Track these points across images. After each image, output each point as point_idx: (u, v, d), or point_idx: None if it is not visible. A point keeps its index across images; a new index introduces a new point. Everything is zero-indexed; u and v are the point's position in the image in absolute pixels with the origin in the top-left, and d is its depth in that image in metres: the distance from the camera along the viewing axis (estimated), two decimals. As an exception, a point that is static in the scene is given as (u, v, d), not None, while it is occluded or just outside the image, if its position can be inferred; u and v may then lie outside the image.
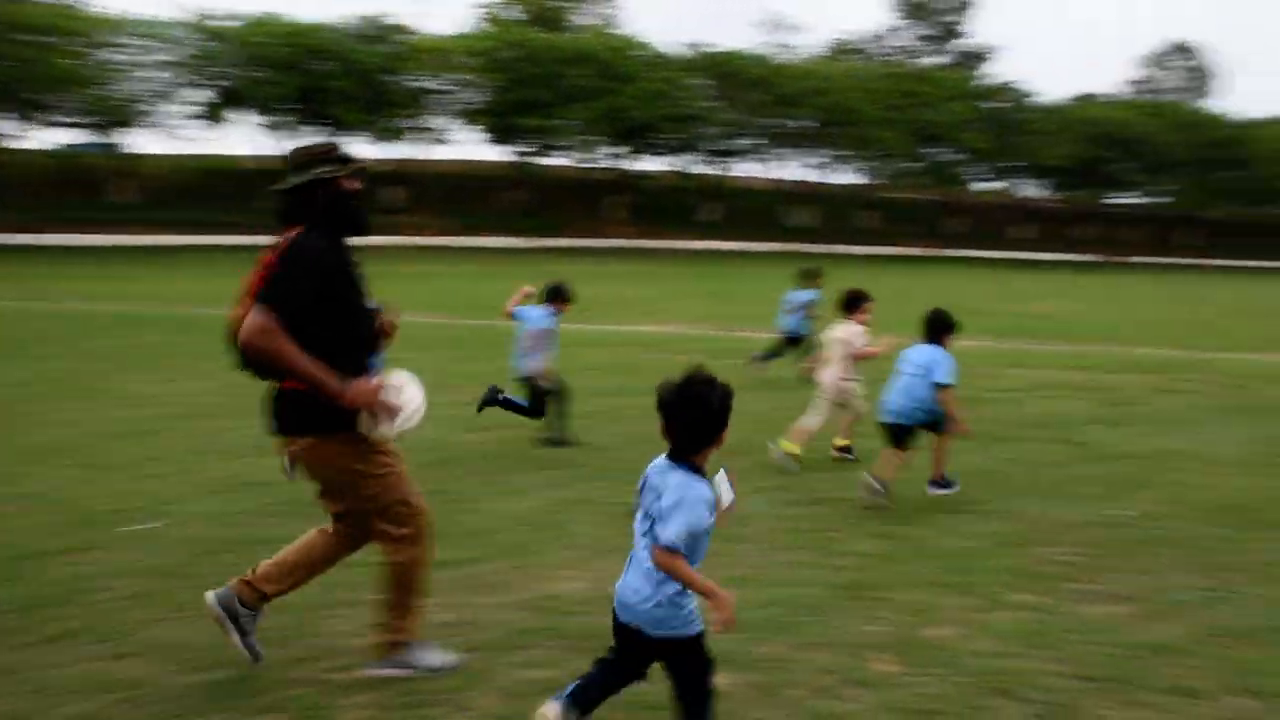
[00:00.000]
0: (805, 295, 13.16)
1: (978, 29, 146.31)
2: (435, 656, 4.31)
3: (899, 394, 7.15)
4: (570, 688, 3.53)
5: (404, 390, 4.03)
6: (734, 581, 5.45)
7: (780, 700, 4.21)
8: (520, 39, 46.92)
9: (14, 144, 45.40)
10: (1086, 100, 69.34)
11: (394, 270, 32.15)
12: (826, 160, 57.93)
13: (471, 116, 47.99)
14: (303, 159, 4.06)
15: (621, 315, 20.43)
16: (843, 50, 70.35)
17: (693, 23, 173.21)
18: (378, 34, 46.61)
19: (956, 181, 60.53)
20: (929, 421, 7.15)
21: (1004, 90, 60.86)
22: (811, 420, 8.37)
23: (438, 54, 45.84)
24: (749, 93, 51.91)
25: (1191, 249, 69.30)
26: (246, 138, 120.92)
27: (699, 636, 3.44)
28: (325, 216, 4.03)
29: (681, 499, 3.24)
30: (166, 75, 44.83)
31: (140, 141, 49.02)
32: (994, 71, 73.42)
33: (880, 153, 54.91)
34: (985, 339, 17.80)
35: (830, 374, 8.38)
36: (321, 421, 3.94)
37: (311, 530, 4.36)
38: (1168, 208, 70.40)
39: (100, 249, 40.46)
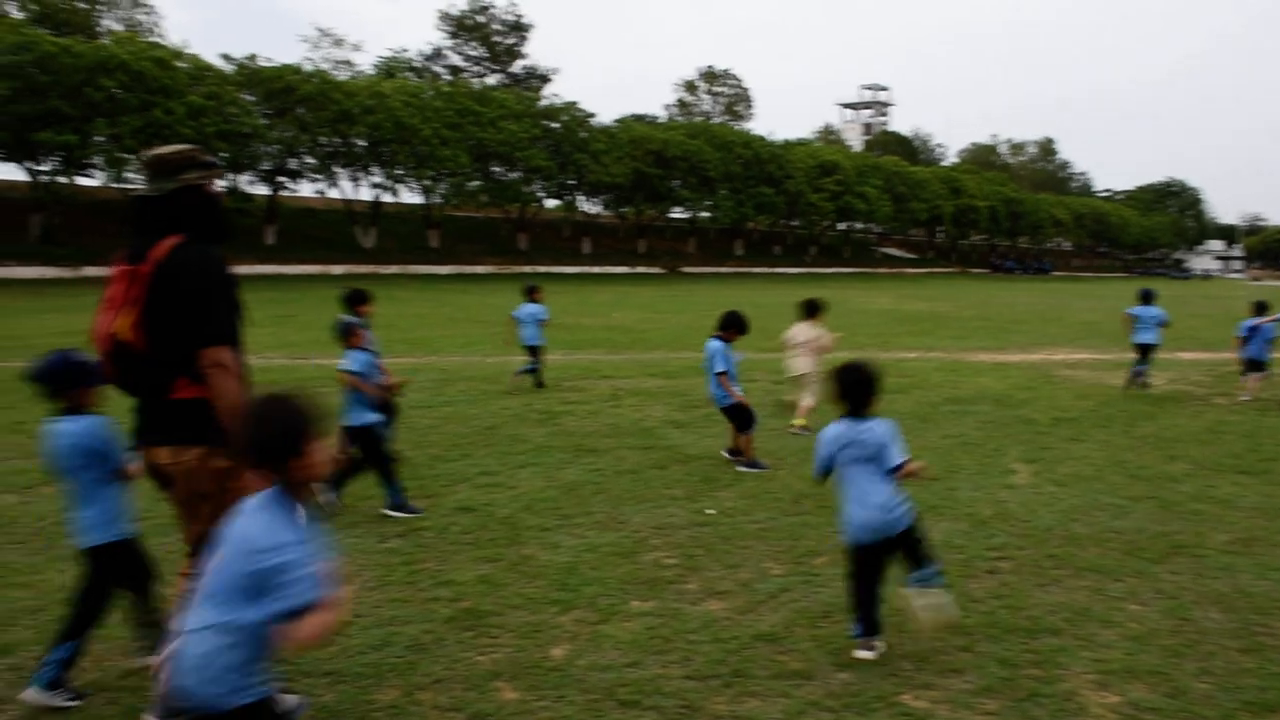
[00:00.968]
0: (536, 308, 13.88)
1: (535, 51, 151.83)
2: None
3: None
4: None
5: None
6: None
7: (402, 754, 3.85)
8: (27, 41, 41.50)
9: None
10: (636, 120, 74.15)
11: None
12: (385, 180, 57.10)
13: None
14: (169, 164, 3.82)
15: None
16: (395, 68, 69.96)
17: (238, 36, 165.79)
18: None
19: (520, 199, 62.05)
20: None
21: (566, 110, 63.29)
22: (808, 400, 10.90)
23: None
24: (303, 110, 50.01)
25: (736, 259, 76.20)
26: None
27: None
28: (199, 223, 3.85)
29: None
30: None
31: None
32: (555, 92, 76.48)
33: (440, 172, 54.95)
34: (569, 352, 18.25)
35: (806, 363, 11.05)
36: (216, 432, 3.67)
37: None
38: (714, 222, 76.83)
39: None
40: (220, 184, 4.06)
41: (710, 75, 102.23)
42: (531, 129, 58.93)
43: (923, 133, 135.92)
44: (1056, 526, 7.02)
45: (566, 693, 4.31)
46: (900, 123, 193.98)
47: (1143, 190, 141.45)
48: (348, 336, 7.54)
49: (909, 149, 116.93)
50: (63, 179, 46.19)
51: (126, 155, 43.58)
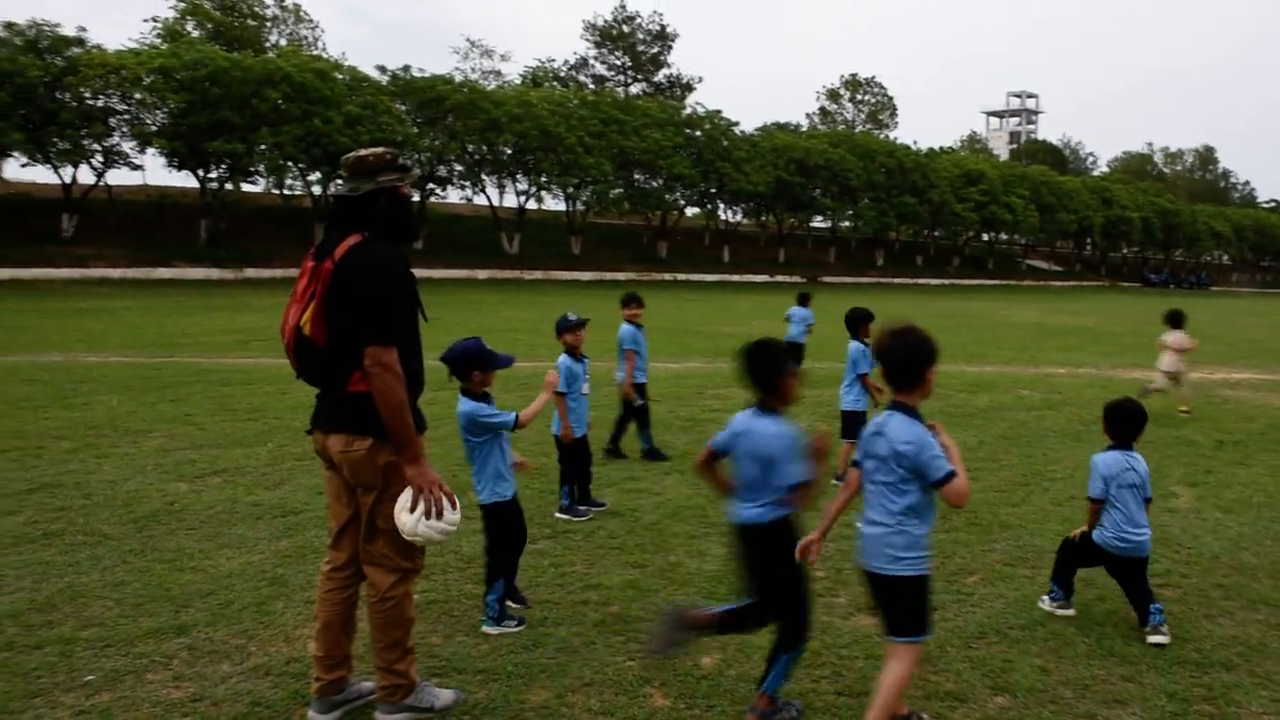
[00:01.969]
0: (805, 312, 16.78)
1: (679, 59, 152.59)
2: (442, 695, 4.21)
3: None
4: None
5: (454, 510, 3.95)
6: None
7: (556, 754, 3.91)
8: (202, 57, 43.94)
9: None
10: (779, 129, 73.78)
11: (68, 305, 29.37)
12: (530, 187, 58.20)
13: (152, 139, 44.35)
14: (368, 165, 3.98)
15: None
16: (542, 78, 71.21)
17: (393, 48, 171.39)
18: (46, 45, 42.43)
19: (662, 206, 62.40)
20: None
21: (708, 118, 63.44)
22: (1185, 390, 13.21)
23: (111, 70, 42.07)
24: (452, 119, 51.39)
25: (876, 269, 75.03)
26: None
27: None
28: (386, 223, 4.00)
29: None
30: None
31: None
32: (698, 101, 76.76)
33: (584, 179, 55.69)
34: (711, 359, 18.27)
35: (1173, 361, 13.09)
36: (383, 427, 3.85)
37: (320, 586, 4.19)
38: (856, 231, 75.84)
39: None
40: (410, 189, 4.19)
41: (854, 83, 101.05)
42: (674, 137, 59.23)
43: (1072, 141, 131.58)
44: (1224, 554, 6.68)
45: (716, 702, 4.30)
46: (1049, 131, 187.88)
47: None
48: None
49: (1058, 158, 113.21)
50: (229, 186, 48.52)
51: (287, 163, 45.60)
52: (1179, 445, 10.70)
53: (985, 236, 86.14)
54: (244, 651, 4.73)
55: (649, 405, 9.81)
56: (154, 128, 44.92)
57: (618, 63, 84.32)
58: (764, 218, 71.67)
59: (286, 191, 51.63)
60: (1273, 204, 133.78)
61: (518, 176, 57.66)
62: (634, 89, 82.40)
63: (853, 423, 8.81)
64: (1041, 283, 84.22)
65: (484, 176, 56.88)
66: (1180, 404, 13.11)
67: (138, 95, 43.70)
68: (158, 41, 49.43)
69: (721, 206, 67.80)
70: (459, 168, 54.79)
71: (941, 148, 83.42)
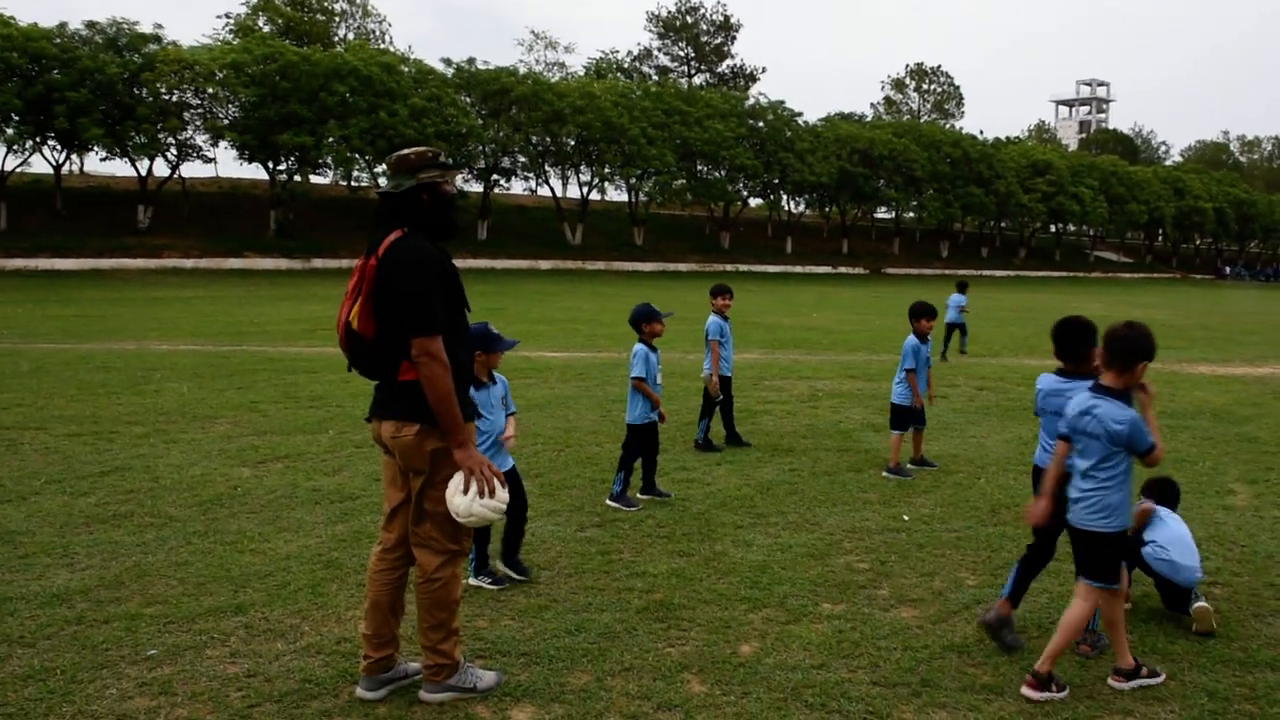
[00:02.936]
0: (961, 298, 18.87)
1: (742, 50, 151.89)
2: (485, 676, 4.34)
3: None
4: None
5: (504, 489, 4.11)
6: (533, 610, 5.25)
7: (593, 735, 4.01)
8: (272, 52, 44.83)
9: None
10: (842, 119, 73.21)
11: (143, 295, 30.17)
12: (593, 178, 58.47)
13: (225, 132, 45.39)
14: (410, 163, 4.14)
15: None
16: (605, 69, 71.40)
17: (458, 40, 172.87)
18: (125, 42, 43.58)
19: (724, 198, 62.31)
20: None
21: (772, 109, 63.19)
22: None
23: (186, 66, 43.07)
24: (516, 110, 51.81)
25: (941, 261, 74.19)
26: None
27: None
28: (428, 220, 4.15)
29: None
30: None
31: None
32: (761, 91, 76.45)
33: (647, 170, 55.81)
34: (769, 351, 18.31)
35: None
36: (431, 413, 4.01)
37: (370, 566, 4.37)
38: (920, 223, 75.06)
39: None
40: (456, 184, 4.32)
41: (919, 73, 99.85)
42: (737, 128, 59.10)
43: (1144, 130, 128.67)
44: (1279, 554, 6.59)
45: (753, 689, 4.38)
46: (1120, 120, 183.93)
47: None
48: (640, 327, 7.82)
49: (1129, 147, 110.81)
50: (297, 178, 49.40)
51: (354, 155, 46.33)
52: (1240, 442, 10.52)
53: (1052, 228, 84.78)
54: (298, 631, 4.91)
55: (733, 398, 9.89)
56: (226, 121, 45.94)
57: (681, 53, 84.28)
58: (827, 209, 71.22)
59: (353, 183, 52.46)
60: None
61: (581, 167, 57.97)
62: (697, 80, 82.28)
63: (901, 415, 8.79)
64: (1110, 275, 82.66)
65: (547, 168, 57.28)
66: None
67: (210, 90, 44.71)
68: (230, 37, 50.47)
69: (784, 197, 67.47)
70: (522, 159, 55.22)
71: (1008, 138, 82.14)
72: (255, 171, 50.80)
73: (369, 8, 71.47)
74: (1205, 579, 5.52)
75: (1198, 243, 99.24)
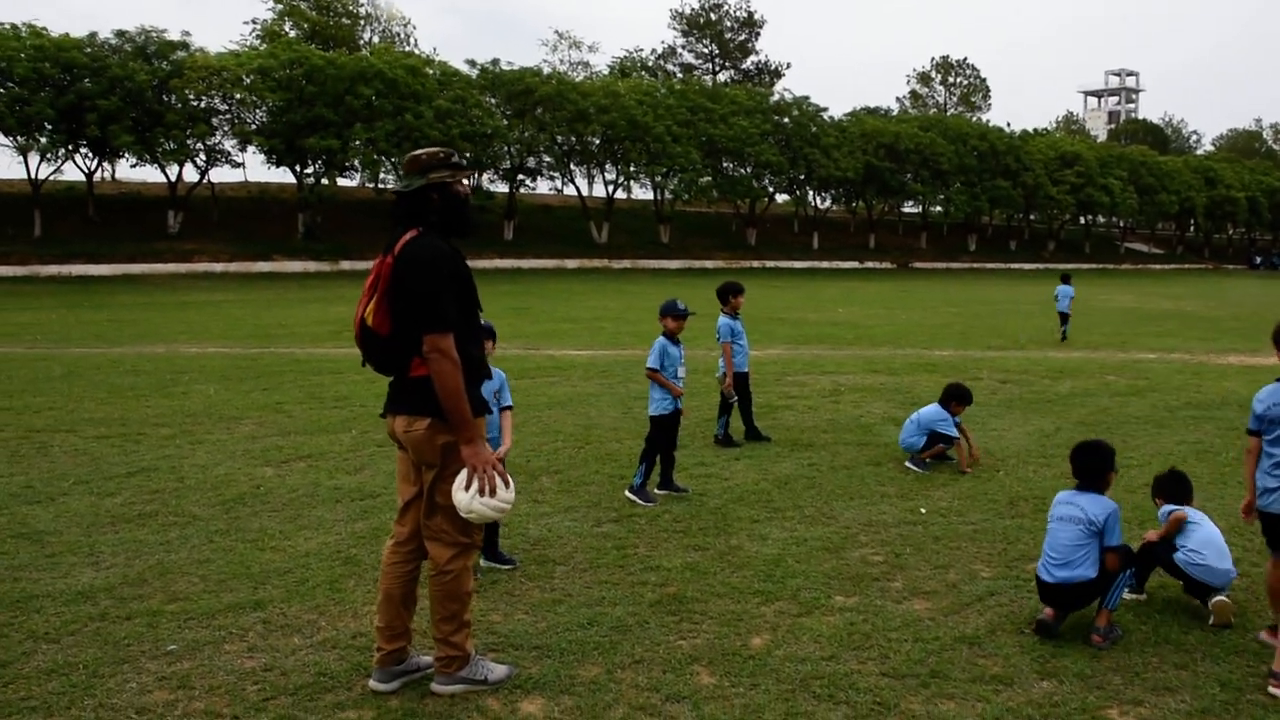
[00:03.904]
0: (1068, 289, 21.59)
1: (767, 46, 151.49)
2: (496, 669, 4.38)
3: None
4: None
5: (508, 489, 4.14)
6: (547, 603, 5.30)
7: (602, 725, 4.06)
8: (299, 57, 45.21)
9: None
10: (868, 114, 72.92)
11: (173, 299, 30.53)
12: (619, 176, 58.58)
13: (252, 137, 45.85)
14: (421, 164, 4.22)
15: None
16: (629, 68, 71.44)
17: (482, 41, 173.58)
18: (153, 50, 44.12)
19: (750, 194, 62.25)
20: None
21: (797, 105, 63.07)
22: None
23: (213, 72, 43.54)
24: (541, 110, 51.98)
25: (969, 255, 73.78)
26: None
27: None
28: (440, 219, 4.22)
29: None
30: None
31: None
32: (786, 87, 76.39)
33: (672, 168, 55.84)
34: (793, 346, 18.31)
35: None
36: (441, 408, 4.07)
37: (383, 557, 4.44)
38: (947, 217, 74.67)
39: None
40: (468, 183, 4.39)
41: (945, 65, 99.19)
42: (762, 124, 59.04)
43: (1175, 120, 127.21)
44: (1301, 543, 6.53)
45: (761, 681, 4.41)
46: (1149, 110, 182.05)
47: None
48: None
49: (1159, 137, 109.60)
50: (324, 181, 49.79)
51: (380, 157, 46.65)
52: (1267, 432, 10.42)
53: (1082, 219, 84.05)
54: (314, 626, 4.98)
55: (751, 395, 9.93)
56: (253, 126, 46.42)
57: (705, 51, 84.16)
58: (853, 204, 70.98)
59: (380, 186, 52.78)
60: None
61: (606, 166, 58.10)
62: (722, 77, 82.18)
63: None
64: (1140, 266, 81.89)
65: (572, 167, 57.47)
66: None
67: (238, 95, 45.19)
68: (257, 43, 50.93)
69: (810, 193, 67.30)
70: (548, 159, 55.47)
71: (1036, 129, 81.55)
72: (283, 175, 51.36)
73: (394, 11, 71.88)
74: (1238, 576, 5.47)
75: (1230, 233, 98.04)
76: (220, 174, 50.67)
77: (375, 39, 66.49)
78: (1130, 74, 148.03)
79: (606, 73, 66.35)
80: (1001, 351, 18.26)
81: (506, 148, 52.21)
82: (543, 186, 61.16)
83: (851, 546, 6.36)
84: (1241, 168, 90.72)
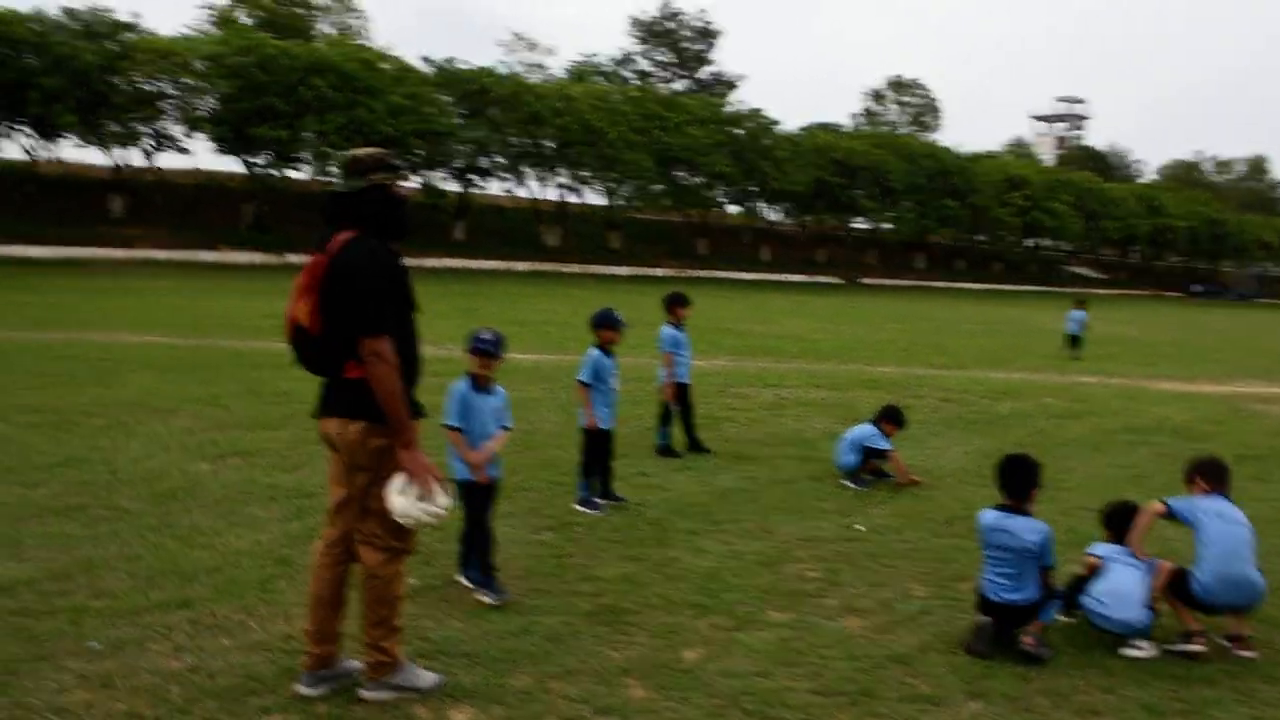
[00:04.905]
0: (1082, 314, 22.95)
1: (723, 57, 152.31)
2: (425, 677, 4.34)
3: None
4: None
5: (445, 494, 4.15)
6: (480, 611, 5.27)
7: (530, 736, 4.04)
8: (252, 44, 44.60)
9: None
10: (821, 129, 73.54)
11: (114, 285, 29.94)
12: (571, 180, 58.53)
13: (201, 124, 45.14)
14: (361, 163, 4.18)
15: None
16: (585, 72, 71.41)
17: (439, 40, 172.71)
18: (102, 30, 43.25)
19: (702, 204, 62.48)
20: None
21: (750, 117, 63.43)
22: None
23: (163, 55, 42.80)
24: (495, 111, 51.76)
25: (916, 272, 74.68)
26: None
27: None
28: (378, 221, 4.17)
29: None
30: None
31: None
32: (741, 99, 76.80)
33: (625, 174, 55.90)
34: (737, 358, 18.37)
35: None
36: (377, 410, 4.03)
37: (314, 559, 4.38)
38: (896, 233, 75.53)
39: None
40: (408, 185, 4.35)
41: (898, 85, 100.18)
42: (716, 135, 59.25)
43: (1120, 147, 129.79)
44: (1225, 570, 6.67)
45: (692, 695, 4.41)
46: (1097, 137, 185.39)
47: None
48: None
49: (1104, 164, 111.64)
50: (273, 171, 49.15)
51: (331, 150, 46.15)
52: (1197, 459, 10.63)
53: (1028, 242, 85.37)
54: (244, 627, 4.91)
55: (693, 406, 9.93)
56: (203, 113, 45.66)
57: (662, 59, 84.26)
58: (804, 217, 71.53)
59: (330, 179, 52.20)
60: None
61: (559, 170, 57.92)
62: (677, 85, 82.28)
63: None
64: (1084, 290, 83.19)
65: (525, 169, 57.19)
66: None
67: (188, 80, 44.43)
68: (210, 28, 50.18)
69: (762, 205, 67.69)
70: (501, 159, 55.16)
71: (985, 152, 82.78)
72: (231, 164, 50.60)
73: (349, 2, 71.19)
74: (1153, 623, 5.39)
75: (1171, 260, 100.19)
76: (167, 159, 49.84)
77: (331, 30, 65.78)
78: (1079, 101, 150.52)
79: (563, 76, 66.24)
80: (943, 370, 18.47)
81: (459, 146, 51.90)
82: (494, 187, 60.86)
83: (788, 562, 6.40)
84: (1182, 197, 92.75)
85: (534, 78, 59.14)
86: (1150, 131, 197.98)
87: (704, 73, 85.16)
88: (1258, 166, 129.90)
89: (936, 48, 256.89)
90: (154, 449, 8.69)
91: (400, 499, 4.01)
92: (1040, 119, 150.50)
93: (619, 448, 8.09)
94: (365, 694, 4.22)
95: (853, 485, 8.57)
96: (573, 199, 60.86)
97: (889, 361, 19.58)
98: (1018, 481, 5.40)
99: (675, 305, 9.66)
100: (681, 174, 60.53)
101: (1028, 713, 4.46)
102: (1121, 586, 5.32)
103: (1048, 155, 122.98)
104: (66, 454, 8.30)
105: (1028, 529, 5.24)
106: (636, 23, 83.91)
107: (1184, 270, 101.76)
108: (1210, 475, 5.74)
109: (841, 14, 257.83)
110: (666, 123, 57.05)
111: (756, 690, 4.48)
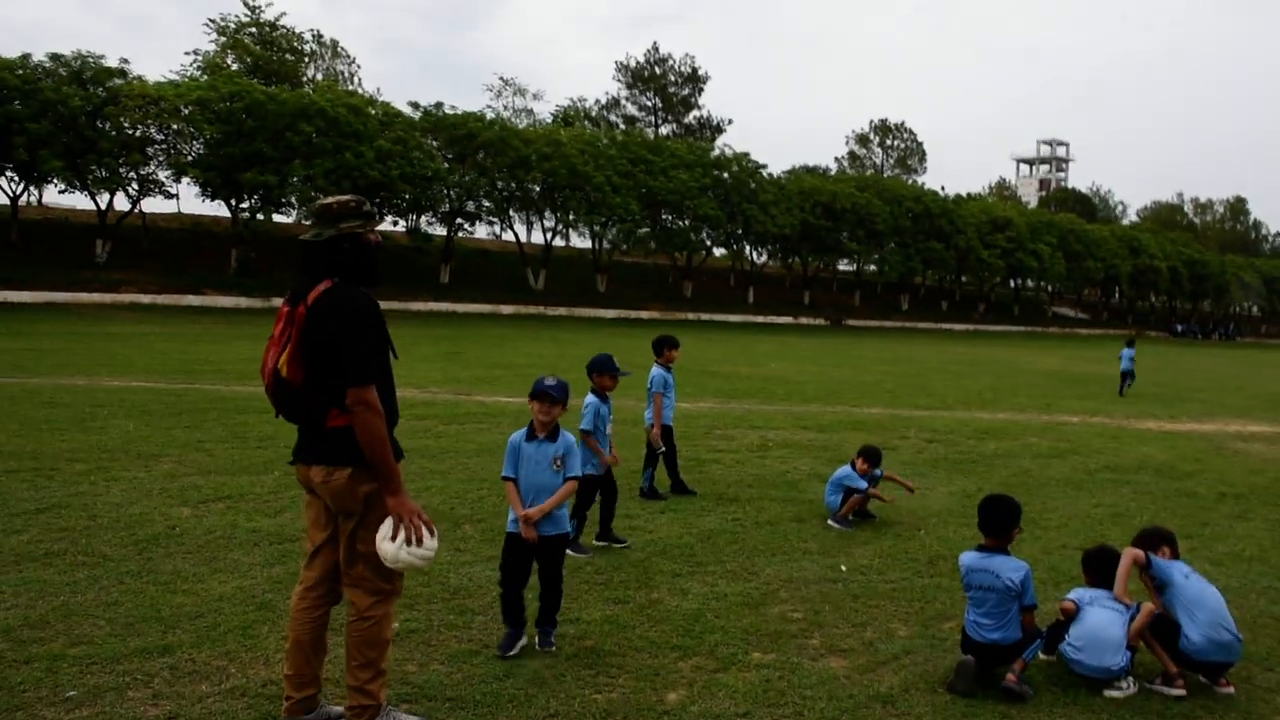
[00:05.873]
0: (1129, 351, 25.23)
1: (709, 102, 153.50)
2: None
3: None
4: None
5: (432, 537, 4.12)
6: (464, 654, 5.24)
7: (511, 782, 4.01)
8: (239, 90, 44.87)
9: None
10: (806, 172, 74.24)
11: (98, 330, 29.87)
12: (557, 224, 58.84)
13: (187, 169, 45.25)
14: (332, 212, 4.22)
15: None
16: (573, 117, 72.02)
17: (425, 84, 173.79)
18: (89, 76, 43.41)
19: (688, 247, 62.83)
20: None
21: (736, 161, 63.97)
22: None
23: (150, 101, 42.98)
24: (483, 155, 52.08)
25: (901, 314, 75.10)
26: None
27: None
28: (351, 269, 4.20)
29: None
30: None
31: None
32: (727, 143, 77.60)
33: (611, 218, 56.23)
34: (723, 400, 18.39)
35: None
36: (363, 456, 4.05)
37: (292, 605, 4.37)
38: (881, 275, 76.03)
39: None
40: (385, 229, 4.38)
41: (883, 128, 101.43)
42: (702, 179, 59.72)
43: (1102, 190, 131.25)
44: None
45: (676, 737, 4.39)
46: (1079, 179, 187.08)
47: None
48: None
49: (1087, 206, 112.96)
50: (260, 216, 49.24)
51: (318, 195, 46.27)
52: (1179, 497, 10.70)
53: (1011, 283, 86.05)
54: (224, 673, 4.87)
55: (676, 447, 9.93)
56: (189, 158, 45.81)
57: (649, 103, 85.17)
58: (789, 260, 71.97)
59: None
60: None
61: (545, 214, 58.25)
62: (664, 130, 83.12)
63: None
64: (1067, 330, 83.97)
65: (512, 213, 57.52)
66: None
67: (175, 126, 44.60)
68: (198, 74, 50.47)
69: (747, 248, 68.08)
70: (487, 204, 55.44)
71: (969, 194, 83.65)
72: (217, 209, 50.69)
73: (339, 49, 71.81)
74: (1126, 667, 5.35)
75: (1153, 300, 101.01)
76: (153, 204, 49.93)
77: (319, 76, 66.25)
78: (1061, 144, 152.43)
79: (550, 121, 66.78)
80: (929, 411, 18.53)
81: (446, 190, 52.15)
82: (481, 231, 61.19)
83: (771, 603, 6.39)
84: (1164, 238, 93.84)
85: (522, 122, 59.60)
86: (1131, 174, 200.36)
87: (690, 117, 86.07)
88: (1237, 208, 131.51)
89: (924, 91, 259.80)
90: (136, 494, 8.64)
91: (389, 545, 4.02)
92: (1023, 161, 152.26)
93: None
94: None
95: (837, 525, 8.58)
96: (559, 242, 61.12)
97: (875, 403, 19.63)
98: (998, 521, 5.43)
99: (665, 347, 9.70)
100: (668, 217, 60.90)
101: (1009, 753, 4.45)
102: (1099, 631, 5.31)
103: (1031, 197, 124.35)
104: (46, 500, 8.25)
105: (1008, 567, 5.27)
106: (623, 67, 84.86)
107: (1167, 310, 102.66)
108: (1170, 542, 5.87)
109: (831, 59, 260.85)
110: (653, 166, 57.49)
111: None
